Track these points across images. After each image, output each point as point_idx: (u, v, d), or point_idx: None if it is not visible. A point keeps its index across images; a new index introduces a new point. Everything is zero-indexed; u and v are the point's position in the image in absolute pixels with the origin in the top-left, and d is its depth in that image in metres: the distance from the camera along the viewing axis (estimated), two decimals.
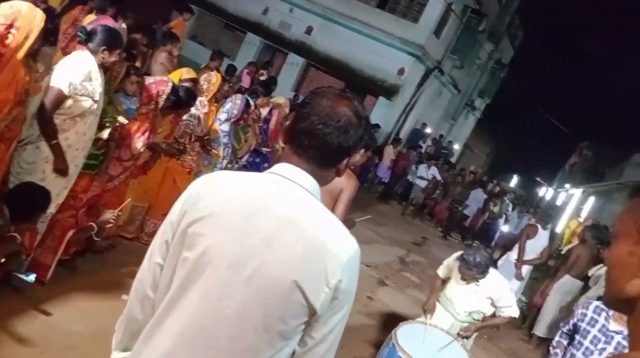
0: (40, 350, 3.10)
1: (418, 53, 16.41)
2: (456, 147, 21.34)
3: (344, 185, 3.85)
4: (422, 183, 13.12)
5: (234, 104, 5.40)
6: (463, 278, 3.85)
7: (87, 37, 3.54)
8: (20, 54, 2.82)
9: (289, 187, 1.40)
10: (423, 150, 15.79)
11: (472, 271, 3.77)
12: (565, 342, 3.53)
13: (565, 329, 3.54)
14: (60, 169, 3.40)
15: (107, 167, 4.14)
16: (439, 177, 13.30)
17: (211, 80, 5.09)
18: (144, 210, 4.83)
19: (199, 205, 1.39)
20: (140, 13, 7.66)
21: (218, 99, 5.21)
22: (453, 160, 18.50)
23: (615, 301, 0.93)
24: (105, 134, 3.84)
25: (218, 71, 8.30)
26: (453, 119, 22.90)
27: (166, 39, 7.06)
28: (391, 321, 5.53)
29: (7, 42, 2.77)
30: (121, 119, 3.86)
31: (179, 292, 1.39)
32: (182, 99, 4.43)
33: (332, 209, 3.17)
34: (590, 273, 6.83)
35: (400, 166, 13.67)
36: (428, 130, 18.25)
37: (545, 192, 30.21)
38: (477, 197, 12.95)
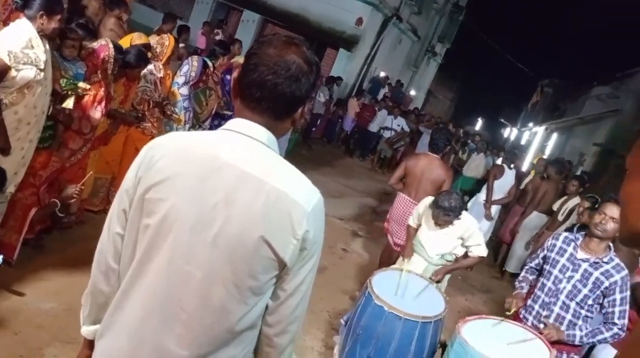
0: (14, 330, 3.06)
1: (375, 1, 16.16)
2: (413, 92, 21.20)
3: (446, 175, 4.85)
4: (388, 134, 12.89)
5: (191, 66, 5.26)
6: (437, 224, 3.90)
7: (23, 3, 3.34)
8: None
9: (245, 142, 1.37)
10: (380, 97, 15.57)
11: (450, 216, 3.83)
12: (530, 277, 3.65)
13: (533, 264, 3.65)
14: (2, 147, 3.25)
15: (67, 141, 4.02)
16: (406, 128, 13.01)
17: (164, 43, 4.92)
18: (107, 181, 4.73)
19: (153, 169, 1.35)
20: None
21: (170, 62, 5.05)
22: (412, 106, 18.42)
23: (630, 238, 0.92)
24: (69, 103, 3.69)
25: (171, 34, 8.06)
26: (415, 66, 22.86)
27: (114, 4, 6.76)
28: (367, 271, 5.62)
29: None
30: (82, 85, 3.71)
31: (143, 259, 1.36)
32: (130, 60, 4.29)
33: None
34: (555, 207, 7.01)
35: (364, 118, 13.50)
36: (382, 74, 18.12)
37: (509, 133, 30.79)
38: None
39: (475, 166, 10.50)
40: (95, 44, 4.08)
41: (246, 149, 1.36)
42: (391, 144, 12.69)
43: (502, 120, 33.43)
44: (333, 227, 6.79)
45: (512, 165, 8.01)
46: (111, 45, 4.09)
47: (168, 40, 4.97)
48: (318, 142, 13.13)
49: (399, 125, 12.88)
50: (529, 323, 3.37)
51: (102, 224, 4.31)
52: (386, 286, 3.42)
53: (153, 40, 4.99)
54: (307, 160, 9.74)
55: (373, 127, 13.23)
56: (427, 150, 5.00)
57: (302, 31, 15.64)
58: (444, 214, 3.82)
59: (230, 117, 5.96)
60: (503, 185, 7.70)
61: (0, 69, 3.14)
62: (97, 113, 4.04)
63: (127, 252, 1.42)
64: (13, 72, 3.19)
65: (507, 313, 3.40)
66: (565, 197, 6.95)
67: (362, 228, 7.59)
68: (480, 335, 3.00)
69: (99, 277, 1.48)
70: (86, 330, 1.57)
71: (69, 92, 3.67)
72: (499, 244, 8.36)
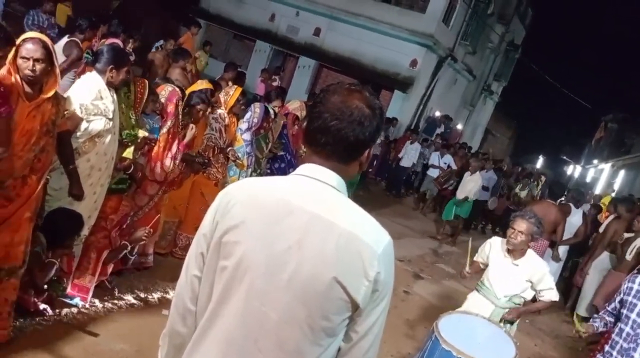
0: None
1: (429, 43, 16.28)
2: (459, 126, 20.67)
3: (561, 219, 5.51)
4: (435, 173, 11.66)
5: (253, 113, 5.43)
6: (510, 241, 3.73)
7: (94, 58, 3.59)
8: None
9: (314, 185, 1.40)
10: (433, 137, 15.06)
11: (533, 223, 3.68)
12: (607, 318, 3.47)
13: (610, 308, 3.48)
14: (76, 194, 3.43)
15: (145, 187, 4.21)
16: (454, 166, 11.78)
17: (229, 92, 5.13)
18: (174, 225, 4.88)
19: (229, 214, 1.40)
20: (149, 33, 7.81)
21: (236, 113, 5.23)
22: (472, 146, 18.06)
23: None
24: (129, 152, 3.89)
25: (234, 82, 8.40)
26: (471, 105, 22.66)
27: (178, 55, 7.16)
28: (430, 313, 5.49)
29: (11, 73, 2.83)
30: (140, 133, 3.91)
31: (220, 301, 1.40)
32: (194, 100, 4.51)
33: None
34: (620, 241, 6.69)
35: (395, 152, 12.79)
36: (437, 113, 17.92)
37: (573, 170, 29.74)
38: (489, 179, 11.25)
39: (469, 189, 9.62)
40: (164, 93, 4.30)
41: (317, 193, 1.40)
42: (441, 183, 11.54)
43: (565, 157, 32.37)
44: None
45: (579, 205, 7.72)
46: (178, 90, 4.32)
47: (233, 89, 5.16)
48: (372, 183, 13.07)
49: (445, 163, 11.85)
50: None
51: (168, 266, 4.47)
52: (453, 329, 3.32)
53: (221, 91, 5.24)
54: (364, 201, 9.72)
55: (405, 162, 12.34)
56: None
57: (356, 74, 15.98)
58: (528, 218, 3.69)
59: (290, 158, 6.10)
60: (570, 225, 7.41)
61: (75, 123, 3.36)
62: (167, 160, 4.23)
63: (204, 294, 1.46)
64: (84, 124, 3.41)
65: (579, 335, 3.34)
66: (632, 234, 6.62)
67: (424, 270, 7.46)
68: None
69: (177, 318, 1.52)
70: None
71: (129, 143, 3.87)
72: (568, 287, 8.00)
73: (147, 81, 4.07)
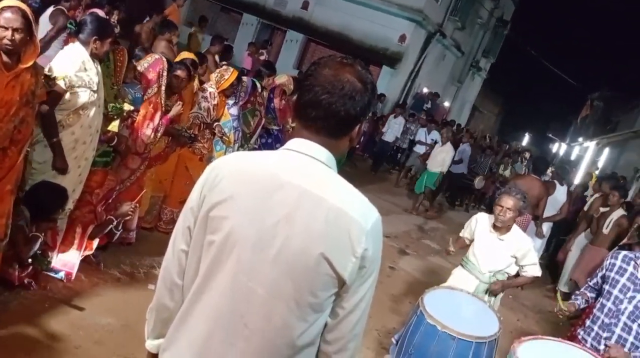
0: (74, 344, 3.15)
1: (418, 18, 16.16)
2: (447, 104, 20.65)
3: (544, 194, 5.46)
4: (421, 149, 11.52)
5: (240, 87, 5.36)
6: (498, 218, 3.78)
7: (77, 29, 3.50)
8: None
9: (303, 160, 1.39)
10: (421, 113, 15.00)
11: (520, 198, 3.75)
12: (589, 293, 3.53)
13: (592, 283, 3.53)
14: (60, 167, 3.39)
15: (127, 161, 4.16)
16: (440, 142, 11.39)
17: (223, 76, 5.00)
18: (159, 199, 4.85)
19: (217, 188, 1.39)
20: (133, 5, 7.63)
21: (227, 95, 5.12)
22: (458, 122, 18.06)
23: None
24: (114, 125, 3.83)
25: (220, 56, 8.27)
26: (459, 81, 22.65)
27: (164, 28, 7.02)
28: (416, 289, 5.56)
29: None
30: (126, 106, 3.85)
31: (207, 276, 1.39)
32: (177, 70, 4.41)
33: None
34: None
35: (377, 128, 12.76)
36: (425, 90, 17.89)
37: (558, 148, 29.98)
38: (466, 152, 11.13)
39: (441, 159, 9.43)
40: (149, 59, 4.22)
41: (306, 167, 1.38)
42: (424, 159, 11.18)
43: (550, 135, 32.58)
44: None
45: (564, 182, 7.79)
46: (164, 60, 4.23)
47: (230, 74, 5.00)
48: (359, 159, 13.04)
49: (432, 139, 11.66)
50: (588, 345, 3.24)
51: (153, 240, 4.45)
52: (438, 304, 3.36)
53: (216, 70, 5.13)
54: (351, 177, 9.67)
55: (388, 137, 12.19)
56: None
57: (344, 49, 15.78)
58: (515, 194, 3.75)
59: (277, 133, 6.07)
60: (554, 202, 7.49)
61: (58, 95, 3.29)
62: (148, 130, 4.16)
63: (191, 269, 1.45)
64: (68, 95, 3.34)
65: (560, 314, 3.40)
66: (607, 209, 6.73)
67: (409, 246, 7.52)
68: (537, 356, 2.91)
69: (164, 292, 1.52)
70: (150, 344, 1.60)
71: (115, 116, 3.81)
72: (552, 263, 8.12)
73: (125, 50, 3.98)
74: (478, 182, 11.17)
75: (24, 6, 2.83)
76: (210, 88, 4.95)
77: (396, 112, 12.34)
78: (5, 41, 2.73)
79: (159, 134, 4.26)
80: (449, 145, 9.57)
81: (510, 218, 3.80)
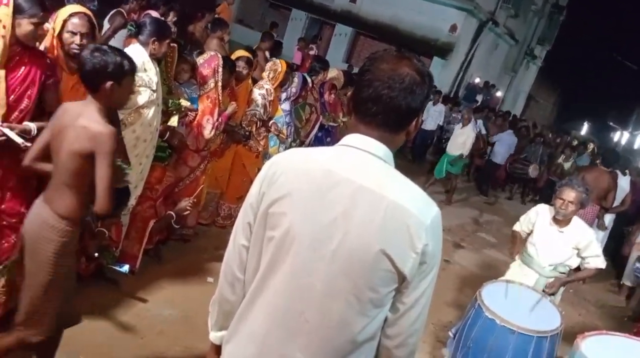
0: (140, 335, 3.28)
1: (469, 7, 15.83)
2: (499, 94, 19.98)
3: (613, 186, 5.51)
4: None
5: (291, 82, 5.40)
6: (560, 211, 3.69)
7: (137, 30, 3.62)
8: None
9: (361, 156, 1.39)
10: (473, 104, 14.43)
11: (582, 191, 3.66)
12: None
13: None
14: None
15: (186, 158, 4.27)
16: (484, 131, 11.08)
17: (277, 69, 5.06)
18: (216, 196, 4.95)
19: (275, 185, 1.41)
20: (187, 4, 7.81)
21: (283, 85, 5.20)
22: (514, 112, 17.51)
23: None
24: (174, 121, 3.93)
25: (270, 52, 8.34)
26: (513, 70, 22.03)
27: (215, 26, 7.15)
28: (471, 283, 5.48)
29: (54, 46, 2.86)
30: (184, 103, 3.95)
31: (267, 271, 1.42)
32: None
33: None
34: None
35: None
36: (477, 80, 17.42)
37: (620, 136, 28.72)
38: (504, 140, 10.62)
39: (462, 142, 8.90)
40: (205, 56, 4.31)
41: (363, 163, 1.38)
42: (478, 151, 10.68)
43: (611, 123, 31.23)
44: None
45: (626, 171, 7.47)
46: (219, 56, 4.31)
47: (281, 66, 5.07)
48: (411, 152, 12.82)
49: (478, 128, 10.58)
50: None
51: (211, 236, 4.55)
52: (496, 298, 3.30)
53: (266, 66, 5.20)
54: (403, 171, 9.61)
55: (428, 125, 11.46)
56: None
57: (394, 41, 15.67)
58: (577, 186, 3.66)
59: (332, 130, 6.08)
60: (617, 193, 7.19)
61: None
62: (208, 126, 4.26)
63: (252, 263, 1.48)
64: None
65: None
66: None
67: (464, 239, 7.40)
68: (603, 352, 2.82)
69: (226, 286, 1.56)
70: (213, 336, 1.65)
71: (174, 112, 3.91)
72: (615, 256, 7.81)
73: (175, 46, 4.08)
74: (532, 171, 10.74)
75: (88, 12, 2.96)
76: (267, 85, 5.02)
77: (434, 100, 11.77)
78: (74, 46, 2.86)
79: (219, 131, 4.34)
80: (470, 127, 9.03)
81: (572, 212, 3.70)
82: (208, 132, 4.26)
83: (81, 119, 2.24)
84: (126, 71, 2.38)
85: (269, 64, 5.18)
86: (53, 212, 2.29)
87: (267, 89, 4.98)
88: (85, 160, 2.22)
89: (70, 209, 2.32)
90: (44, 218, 2.30)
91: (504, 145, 10.63)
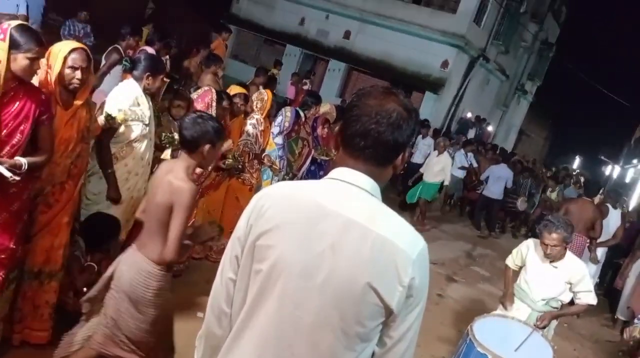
0: None
1: (460, 43, 16.13)
2: (490, 128, 20.06)
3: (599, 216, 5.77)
4: (461, 174, 10.91)
5: (284, 117, 5.46)
6: (546, 250, 3.70)
7: (131, 66, 3.69)
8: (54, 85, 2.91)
9: (350, 190, 1.40)
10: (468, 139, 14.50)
11: (560, 230, 3.61)
12: None
13: None
14: (114, 197, 3.52)
15: None
16: (475, 164, 11.13)
17: (263, 98, 5.17)
18: None
19: (263, 218, 1.42)
20: (181, 41, 7.95)
21: (271, 115, 5.29)
22: (507, 148, 17.66)
23: None
24: (167, 154, 3.96)
25: (265, 87, 8.45)
26: (505, 105, 22.33)
27: (210, 61, 7.26)
28: (464, 317, 5.43)
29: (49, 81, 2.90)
30: (176, 136, 3.98)
31: (254, 304, 1.41)
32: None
33: None
34: None
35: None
36: (469, 114, 17.58)
37: (611, 170, 28.94)
38: (496, 174, 10.27)
39: (439, 170, 8.90)
40: (200, 91, 4.37)
41: (351, 196, 1.40)
42: (472, 186, 10.93)
43: (603, 157, 31.50)
44: None
45: (617, 205, 7.53)
46: (213, 91, 4.37)
47: (266, 95, 5.21)
48: (401, 184, 12.79)
49: (470, 162, 11.12)
50: None
51: (203, 270, 4.49)
52: (488, 333, 3.28)
53: (253, 97, 5.28)
54: (396, 204, 9.67)
55: (416, 158, 10.93)
56: None
57: (387, 76, 15.96)
58: (555, 228, 3.61)
59: (325, 163, 6.11)
60: (608, 226, 7.23)
61: (113, 128, 3.44)
62: None
63: (239, 297, 1.48)
64: (122, 128, 3.49)
65: (630, 341, 3.24)
66: None
67: (457, 273, 7.36)
68: None
69: (212, 320, 1.55)
70: None
71: (167, 145, 3.95)
72: (609, 290, 7.80)
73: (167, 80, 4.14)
74: (521, 203, 10.70)
75: (85, 47, 3.01)
76: (256, 115, 5.09)
77: (423, 133, 11.63)
78: (75, 81, 2.90)
79: (209, 168, 4.35)
80: (445, 155, 9.11)
81: (559, 251, 3.71)
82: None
83: (169, 174, 2.51)
84: (221, 137, 2.69)
85: (255, 95, 5.26)
86: (147, 258, 2.55)
87: (257, 119, 5.06)
88: (169, 211, 2.47)
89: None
90: (140, 266, 2.57)
91: (499, 179, 10.35)
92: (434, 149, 9.55)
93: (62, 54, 2.88)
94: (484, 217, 10.67)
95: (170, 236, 2.47)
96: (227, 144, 4.44)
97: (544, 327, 3.78)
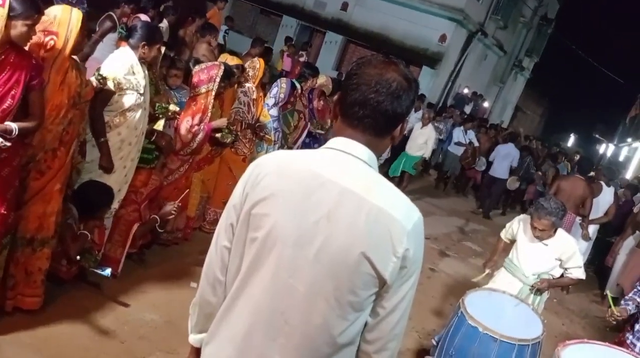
0: (120, 339, 3.24)
1: (458, 17, 15.94)
2: (486, 104, 19.91)
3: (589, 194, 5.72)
4: (459, 151, 10.76)
5: (279, 88, 5.41)
6: (536, 235, 3.72)
7: (127, 34, 3.62)
8: (64, 55, 2.90)
9: (346, 159, 1.39)
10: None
11: (552, 217, 3.59)
12: (638, 298, 3.42)
13: None
14: (106, 166, 3.51)
15: (166, 161, 4.25)
16: (475, 143, 10.87)
17: (255, 66, 5.11)
18: (203, 199, 4.93)
19: (259, 186, 1.40)
20: (177, 9, 7.81)
21: (265, 86, 5.25)
22: (504, 124, 17.64)
23: None
24: (160, 124, 3.93)
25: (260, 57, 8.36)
26: (501, 81, 22.20)
27: (205, 30, 7.17)
28: (456, 291, 5.49)
29: (48, 47, 2.86)
30: (172, 107, 3.95)
31: (249, 272, 1.41)
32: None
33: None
34: None
35: None
36: (466, 90, 17.50)
37: (605, 149, 29.04)
38: (502, 153, 10.20)
39: (422, 143, 8.74)
40: (208, 63, 4.31)
41: (347, 166, 1.38)
42: (468, 163, 10.78)
43: (597, 135, 31.58)
44: None
45: (610, 182, 7.56)
46: (222, 68, 4.29)
47: (259, 63, 5.15)
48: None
49: (469, 139, 10.87)
50: (637, 350, 3.14)
51: (197, 240, 4.52)
52: (479, 306, 3.31)
53: (246, 65, 5.21)
54: (391, 178, 9.67)
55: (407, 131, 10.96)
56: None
57: (384, 50, 15.68)
58: (546, 214, 3.59)
59: (320, 136, 6.08)
60: (601, 203, 7.27)
61: (107, 96, 3.40)
62: (183, 129, 4.23)
63: (234, 265, 1.47)
64: (116, 97, 3.45)
65: (612, 319, 3.29)
66: None
67: (450, 248, 7.43)
68: None
69: (207, 288, 1.55)
70: (193, 339, 1.64)
71: (160, 116, 3.91)
72: (599, 267, 7.88)
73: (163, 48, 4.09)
74: (510, 183, 10.55)
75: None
76: (248, 83, 5.04)
77: (416, 107, 10.73)
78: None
79: (197, 139, 4.29)
80: (430, 128, 8.89)
81: (548, 234, 3.71)
82: (182, 133, 4.25)
83: None
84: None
85: (247, 63, 5.20)
86: None
87: (248, 87, 5.00)
88: None
89: None
90: None
91: (505, 158, 10.23)
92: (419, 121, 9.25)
93: (79, 23, 2.90)
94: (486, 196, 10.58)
95: None
96: (221, 122, 4.40)
97: (540, 291, 3.81)
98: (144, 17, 5.95)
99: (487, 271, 4.25)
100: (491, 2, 17.50)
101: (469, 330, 3.11)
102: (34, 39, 2.81)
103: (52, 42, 2.87)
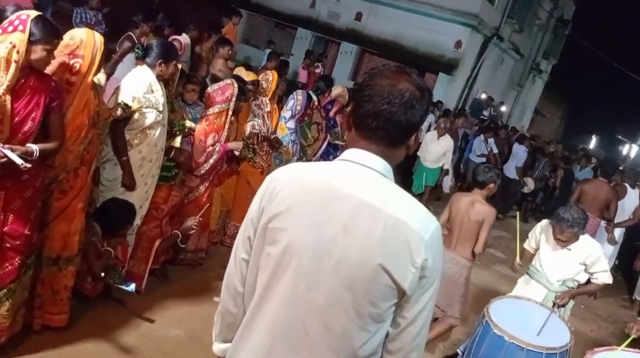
0: (145, 356, 3.27)
1: (473, 23, 15.86)
2: (503, 109, 19.61)
3: (613, 197, 5.55)
4: (480, 159, 10.42)
5: (296, 101, 5.44)
6: (559, 243, 3.66)
7: (144, 53, 3.69)
8: (89, 79, 2.97)
9: (361, 171, 1.39)
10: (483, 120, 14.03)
11: (574, 228, 3.55)
12: None
13: None
14: (128, 184, 3.56)
15: (186, 178, 4.28)
16: (495, 150, 10.64)
17: (268, 79, 5.15)
18: (222, 213, 4.96)
19: (275, 200, 1.41)
20: (193, 26, 7.90)
21: (281, 100, 5.28)
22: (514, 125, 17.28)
23: None
24: (177, 141, 3.97)
25: (277, 71, 8.43)
26: (519, 85, 21.98)
27: (220, 46, 7.24)
28: (481, 299, 5.41)
29: (74, 70, 2.92)
30: (188, 124, 3.99)
31: (267, 287, 1.42)
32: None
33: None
34: None
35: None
36: (483, 95, 17.38)
37: (629, 150, 28.55)
38: (514, 152, 10.37)
39: (441, 154, 8.50)
40: (221, 83, 4.34)
41: (363, 178, 1.38)
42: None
43: (620, 136, 31.07)
44: None
45: (635, 185, 7.42)
46: (235, 86, 4.31)
47: (272, 75, 5.18)
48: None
49: (490, 148, 10.65)
50: None
51: (218, 254, 4.53)
52: (505, 314, 3.27)
53: (259, 78, 5.25)
54: (403, 185, 9.57)
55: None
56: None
57: (399, 58, 15.71)
58: (568, 226, 3.55)
59: (340, 147, 6.09)
60: (626, 206, 7.14)
61: (128, 114, 3.46)
62: (198, 149, 4.27)
63: (252, 277, 1.49)
64: (136, 115, 3.51)
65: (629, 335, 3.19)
66: None
67: None
68: None
69: (228, 299, 1.58)
70: (217, 348, 1.67)
71: (177, 132, 3.95)
72: (627, 271, 7.72)
73: (180, 66, 4.12)
74: (528, 186, 10.43)
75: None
76: (261, 96, 5.07)
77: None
78: None
79: (211, 160, 4.28)
80: (447, 138, 8.52)
81: (571, 243, 3.69)
82: (198, 156, 4.26)
83: None
84: None
85: (260, 76, 5.23)
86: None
87: (262, 100, 5.03)
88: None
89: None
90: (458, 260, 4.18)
91: (514, 158, 10.35)
92: (434, 130, 8.94)
93: (102, 47, 3.00)
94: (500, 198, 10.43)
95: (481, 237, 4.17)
96: (237, 144, 4.41)
97: (563, 305, 3.75)
98: (181, 38, 6.10)
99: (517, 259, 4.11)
100: (506, 6, 17.38)
101: (495, 340, 3.06)
102: (60, 61, 2.88)
103: (77, 66, 2.93)
